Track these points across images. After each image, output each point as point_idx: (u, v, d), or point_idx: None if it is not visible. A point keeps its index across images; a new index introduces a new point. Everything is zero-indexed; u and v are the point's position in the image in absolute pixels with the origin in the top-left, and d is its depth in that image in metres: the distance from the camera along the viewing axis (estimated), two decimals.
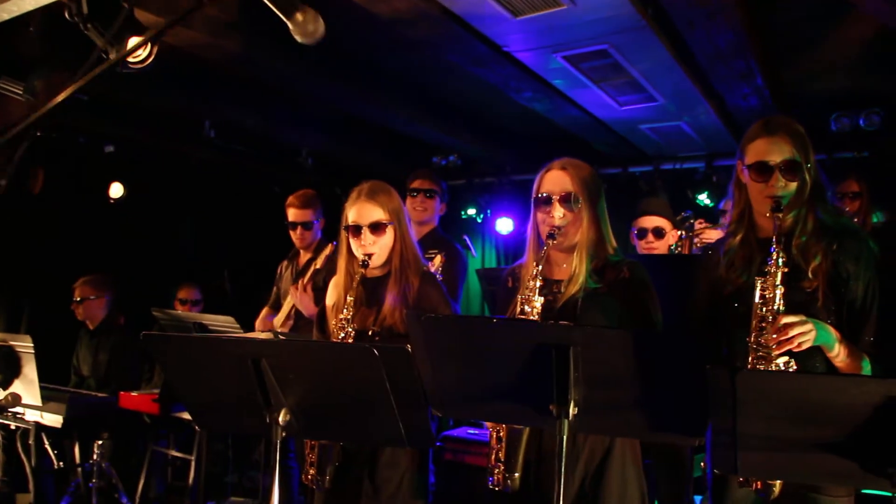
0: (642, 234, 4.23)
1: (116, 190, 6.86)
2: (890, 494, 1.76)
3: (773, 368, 2.23)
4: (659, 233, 4.18)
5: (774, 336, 2.23)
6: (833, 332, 2.27)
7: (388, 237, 2.85)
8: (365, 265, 2.81)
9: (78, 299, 5.66)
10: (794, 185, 2.38)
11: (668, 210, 4.33)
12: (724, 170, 6.77)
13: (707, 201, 6.81)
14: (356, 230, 2.85)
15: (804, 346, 2.22)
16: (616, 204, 7.64)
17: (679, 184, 7.18)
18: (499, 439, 2.50)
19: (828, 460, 1.84)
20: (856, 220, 4.33)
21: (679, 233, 4.22)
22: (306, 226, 4.42)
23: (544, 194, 2.58)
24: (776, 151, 2.38)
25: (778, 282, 2.27)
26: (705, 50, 4.75)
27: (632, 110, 6.00)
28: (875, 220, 4.87)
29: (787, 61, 5.24)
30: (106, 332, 5.72)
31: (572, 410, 1.89)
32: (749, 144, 2.47)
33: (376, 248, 2.83)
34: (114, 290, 5.81)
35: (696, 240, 4.14)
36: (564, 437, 1.91)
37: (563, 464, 1.91)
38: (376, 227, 2.83)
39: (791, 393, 1.82)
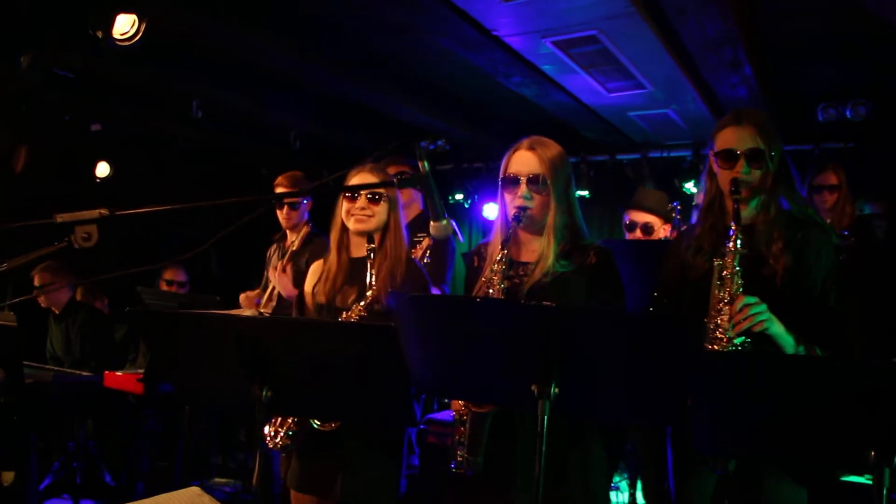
0: (631, 227, 4.22)
1: (103, 169, 6.81)
2: (868, 482, 1.78)
3: (730, 348, 2.27)
4: (647, 229, 4.17)
5: (732, 316, 2.27)
6: (789, 332, 2.30)
7: (382, 210, 2.88)
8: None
9: (37, 286, 5.62)
10: (758, 173, 2.44)
11: (662, 205, 4.30)
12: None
13: (694, 190, 6.83)
14: (353, 195, 2.88)
15: (761, 327, 2.26)
16: (603, 191, 7.70)
17: (666, 172, 7.21)
18: (462, 422, 2.47)
19: (805, 442, 1.86)
20: (832, 212, 4.36)
21: (669, 226, 4.22)
22: (293, 206, 4.42)
23: (511, 175, 2.55)
24: (742, 140, 2.45)
25: (736, 263, 2.32)
26: (695, 38, 4.76)
27: (620, 97, 6.02)
28: (867, 211, 4.89)
29: (776, 51, 5.26)
30: (73, 315, 5.71)
31: (553, 391, 1.90)
32: (718, 133, 2.54)
33: (370, 214, 2.86)
34: (71, 273, 5.77)
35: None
36: (546, 419, 1.92)
37: (543, 444, 1.92)
38: (374, 197, 2.86)
39: (770, 375, 1.84)
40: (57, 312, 5.73)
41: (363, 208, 2.85)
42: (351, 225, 2.89)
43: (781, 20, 4.71)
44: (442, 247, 4.04)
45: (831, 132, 6.24)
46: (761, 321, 2.25)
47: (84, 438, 5.06)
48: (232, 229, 2.02)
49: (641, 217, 4.21)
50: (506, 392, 2.09)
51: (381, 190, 2.86)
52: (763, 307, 2.26)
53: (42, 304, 5.70)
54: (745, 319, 2.25)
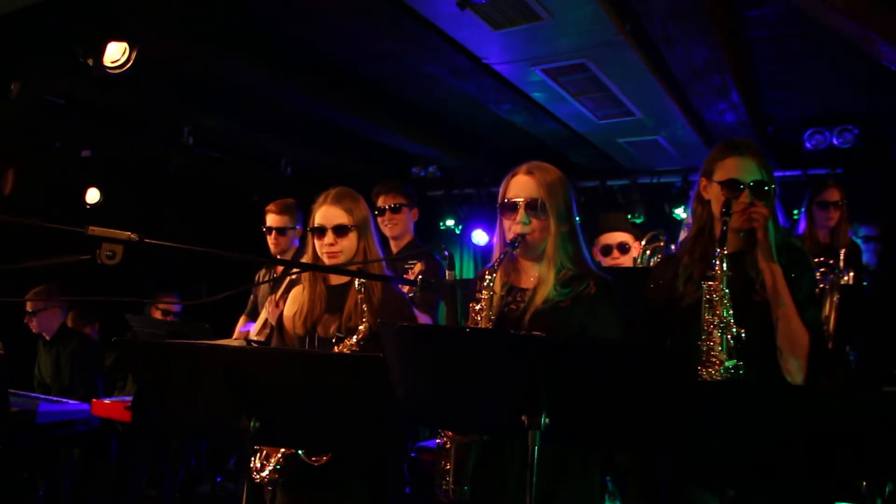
0: (607, 250, 4.22)
1: (93, 195, 6.79)
2: None
3: (722, 371, 2.28)
4: (623, 248, 4.18)
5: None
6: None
7: (351, 241, 2.86)
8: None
9: (30, 311, 5.57)
10: (761, 203, 2.45)
11: (629, 223, 4.34)
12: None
13: (683, 215, 6.87)
14: (320, 231, 2.86)
15: (761, 225, 2.39)
16: (593, 217, 7.73)
17: (656, 197, 7.25)
18: (446, 451, 2.42)
19: (797, 470, 1.86)
20: (834, 231, 4.39)
21: (642, 244, 4.24)
22: (280, 231, 4.42)
23: (509, 200, 2.50)
24: (747, 171, 2.46)
25: (724, 286, 2.33)
26: (682, 65, 4.81)
27: (610, 124, 6.05)
28: (861, 233, 4.93)
29: (763, 78, 5.31)
30: (64, 341, 5.64)
31: (543, 421, 1.89)
32: (718, 163, 2.54)
33: (339, 250, 2.83)
34: (64, 298, 5.72)
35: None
36: (536, 449, 1.90)
37: (534, 474, 1.90)
38: (340, 230, 2.84)
39: (761, 404, 1.84)
40: (48, 338, 5.68)
41: (331, 244, 2.83)
42: (325, 260, 2.87)
43: (768, 46, 4.76)
44: (433, 274, 4.04)
45: (819, 158, 6.29)
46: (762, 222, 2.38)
47: (71, 467, 5.00)
48: (239, 291, 2.05)
49: (615, 238, 4.21)
50: (495, 422, 2.07)
51: (346, 222, 2.84)
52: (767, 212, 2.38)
53: (33, 330, 5.65)
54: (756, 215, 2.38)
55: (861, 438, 1.72)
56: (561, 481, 2.40)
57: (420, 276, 3.95)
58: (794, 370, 2.36)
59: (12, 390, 4.64)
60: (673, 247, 4.21)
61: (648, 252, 4.17)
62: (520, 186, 2.51)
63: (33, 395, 5.21)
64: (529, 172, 2.51)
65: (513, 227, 2.48)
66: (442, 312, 4.33)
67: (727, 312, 2.31)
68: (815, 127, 6.06)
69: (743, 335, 2.31)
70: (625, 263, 4.15)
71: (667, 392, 1.82)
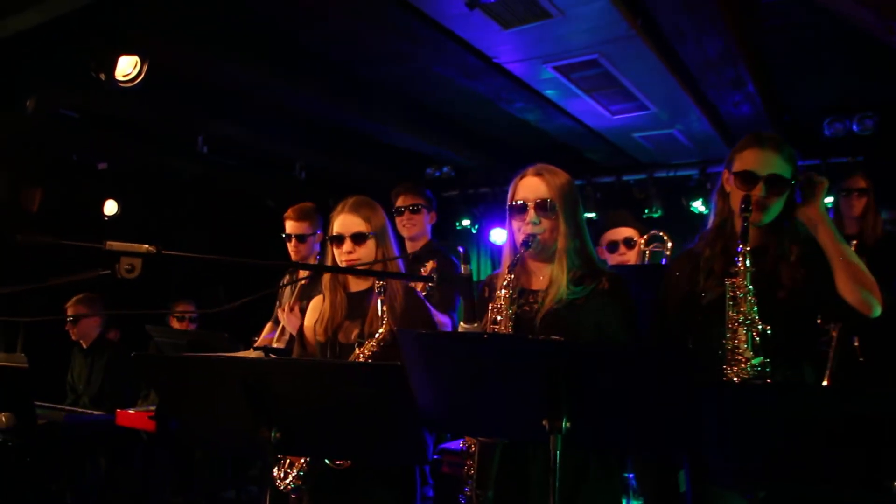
0: (613, 246, 4.17)
1: (111, 207, 6.85)
2: None
3: (748, 369, 2.25)
4: (629, 243, 4.13)
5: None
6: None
7: (369, 249, 2.86)
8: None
9: (71, 318, 5.66)
10: (776, 198, 2.43)
11: (633, 219, 4.29)
12: (717, 177, 6.79)
13: (702, 208, 6.83)
14: (339, 240, 2.87)
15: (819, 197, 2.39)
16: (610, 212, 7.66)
17: (673, 191, 7.20)
18: (469, 454, 2.42)
19: (824, 471, 1.83)
20: (861, 220, 4.31)
21: (643, 242, 4.20)
22: (300, 238, 4.38)
23: (519, 201, 2.51)
24: (765, 163, 2.43)
25: (748, 283, 2.29)
26: (695, 58, 4.77)
27: (624, 119, 6.02)
28: (882, 216, 4.85)
29: (778, 68, 5.25)
30: (100, 350, 5.75)
31: (565, 425, 1.87)
32: (738, 154, 2.51)
33: (357, 258, 2.84)
34: (105, 308, 5.81)
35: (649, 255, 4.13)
36: (558, 453, 1.88)
37: (556, 479, 1.89)
38: (358, 238, 2.85)
39: (784, 405, 1.81)
40: (85, 346, 5.80)
41: (350, 252, 2.84)
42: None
43: (782, 35, 4.71)
44: (450, 273, 4.01)
45: (838, 146, 6.22)
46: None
47: (97, 476, 5.04)
48: (254, 298, 2.07)
49: (620, 233, 4.16)
50: (517, 427, 2.06)
51: (364, 230, 2.85)
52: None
53: (73, 337, 5.79)
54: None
55: (890, 438, 1.69)
56: (583, 484, 2.38)
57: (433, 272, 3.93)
58: (869, 304, 2.32)
59: (38, 403, 4.68)
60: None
61: (648, 253, 4.12)
62: (529, 188, 2.52)
63: (59, 406, 5.26)
64: (538, 174, 2.53)
65: (523, 227, 2.49)
66: (461, 311, 4.30)
67: (752, 309, 2.28)
68: (833, 115, 5.99)
69: (769, 332, 2.28)
70: (631, 259, 4.11)
71: (688, 393, 1.80)
